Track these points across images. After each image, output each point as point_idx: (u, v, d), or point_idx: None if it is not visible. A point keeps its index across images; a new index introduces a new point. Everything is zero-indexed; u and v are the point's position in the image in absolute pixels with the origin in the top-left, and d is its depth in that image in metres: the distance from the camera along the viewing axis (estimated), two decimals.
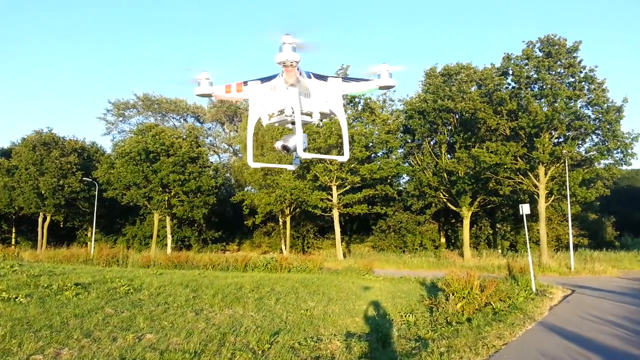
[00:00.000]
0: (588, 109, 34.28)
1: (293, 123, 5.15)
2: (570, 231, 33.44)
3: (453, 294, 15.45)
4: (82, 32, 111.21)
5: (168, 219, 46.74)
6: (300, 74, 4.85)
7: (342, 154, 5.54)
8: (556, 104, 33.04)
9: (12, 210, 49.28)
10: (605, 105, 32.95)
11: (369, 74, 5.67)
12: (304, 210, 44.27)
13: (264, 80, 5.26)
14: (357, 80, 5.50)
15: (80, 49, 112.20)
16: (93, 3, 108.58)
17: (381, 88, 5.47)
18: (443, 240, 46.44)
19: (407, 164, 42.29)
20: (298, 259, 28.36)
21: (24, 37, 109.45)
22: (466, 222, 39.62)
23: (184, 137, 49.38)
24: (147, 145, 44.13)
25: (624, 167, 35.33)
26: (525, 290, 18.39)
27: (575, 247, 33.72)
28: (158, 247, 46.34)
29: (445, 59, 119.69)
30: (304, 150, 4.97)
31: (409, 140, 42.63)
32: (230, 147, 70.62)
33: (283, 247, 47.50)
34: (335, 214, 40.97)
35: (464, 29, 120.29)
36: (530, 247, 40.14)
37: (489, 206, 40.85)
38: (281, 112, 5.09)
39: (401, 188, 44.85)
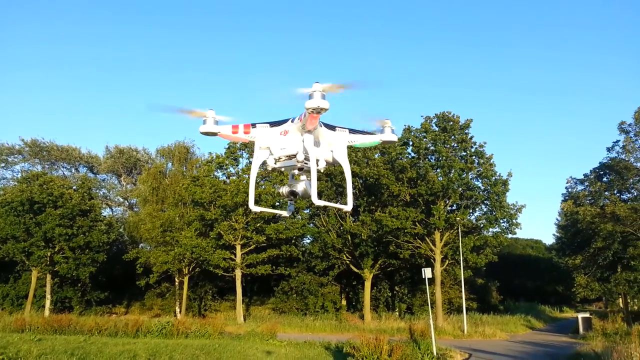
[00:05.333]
0: (478, 181, 37.37)
1: (300, 169, 5.25)
2: (464, 295, 35.17)
3: (362, 359, 15.28)
4: None
5: (49, 277, 42.00)
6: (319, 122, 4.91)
7: (346, 203, 5.63)
8: (451, 175, 35.62)
9: None
10: (493, 178, 36.17)
11: (371, 127, 5.96)
12: (204, 269, 42.29)
13: (273, 124, 5.27)
14: (363, 132, 5.61)
15: None
16: None
17: (384, 143, 5.73)
18: (344, 302, 46.53)
19: (312, 224, 42.54)
20: (196, 323, 26.68)
21: None
22: (367, 284, 40.22)
23: (75, 187, 45.77)
24: (32, 195, 40.17)
25: (510, 235, 38.50)
26: (427, 354, 18.71)
27: (466, 310, 35.41)
28: (33, 308, 41.18)
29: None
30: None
31: None
32: (126, 201, 66.62)
33: (177, 309, 44.56)
34: (238, 274, 39.59)
35: (369, 98, 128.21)
36: (426, 310, 41.85)
37: (388, 269, 41.97)
38: (290, 157, 5.12)
39: (305, 249, 44.73)
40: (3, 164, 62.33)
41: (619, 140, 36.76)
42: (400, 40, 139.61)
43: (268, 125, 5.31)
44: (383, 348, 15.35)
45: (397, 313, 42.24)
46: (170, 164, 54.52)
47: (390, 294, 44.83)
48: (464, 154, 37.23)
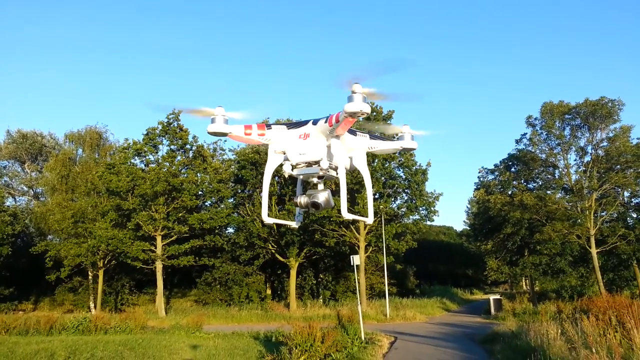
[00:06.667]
0: (400, 170, 38.66)
1: (320, 177, 4.76)
2: (386, 281, 36.40)
3: (296, 347, 15.28)
4: None
5: None
6: None
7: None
8: (374, 164, 36.54)
9: None
10: (414, 167, 37.62)
11: (389, 133, 5.52)
12: (121, 262, 40.22)
13: (291, 126, 4.83)
14: (383, 139, 5.37)
15: None
16: None
17: (404, 150, 5.33)
18: (269, 291, 46.43)
19: (237, 214, 41.91)
20: (116, 318, 25.35)
21: None
22: (293, 273, 40.38)
23: None
24: None
25: (428, 222, 40.35)
26: (356, 339, 19.15)
27: (388, 295, 36.70)
28: None
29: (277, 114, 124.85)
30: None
31: (240, 191, 42.52)
32: (31, 190, 61.59)
33: (92, 304, 42.13)
34: (159, 266, 38.07)
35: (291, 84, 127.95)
36: (349, 296, 42.89)
37: (314, 257, 42.42)
38: (310, 164, 4.66)
39: (229, 238, 44.03)
40: None
41: (527, 133, 39.58)
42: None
43: (285, 126, 4.90)
44: (317, 335, 15.45)
45: (322, 300, 42.87)
46: (81, 150, 51.20)
47: (314, 282, 45.37)
48: None
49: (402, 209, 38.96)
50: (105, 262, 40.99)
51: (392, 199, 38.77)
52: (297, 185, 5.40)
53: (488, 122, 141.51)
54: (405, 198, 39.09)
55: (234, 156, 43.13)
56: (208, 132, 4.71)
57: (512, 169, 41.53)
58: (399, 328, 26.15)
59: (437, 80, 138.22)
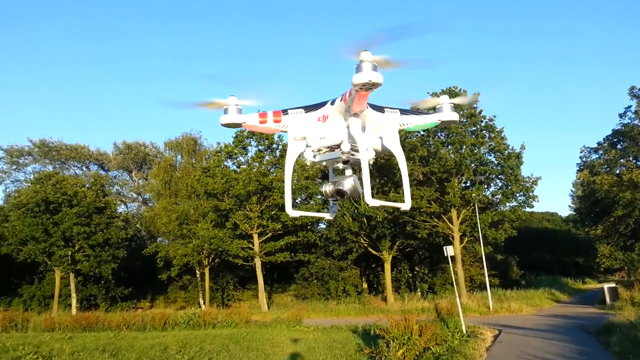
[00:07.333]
0: (491, 155, 36.92)
1: (346, 162, 4.29)
2: (486, 271, 34.98)
3: (393, 341, 15.18)
4: None
5: (72, 276, 42.51)
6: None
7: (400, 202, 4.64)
8: (462, 151, 35.23)
9: None
10: (506, 152, 35.71)
11: (425, 106, 4.81)
12: (224, 260, 42.51)
13: (308, 108, 4.38)
14: (417, 113, 4.68)
15: None
16: None
17: (443, 123, 4.68)
18: (365, 285, 46.63)
19: (326, 209, 42.45)
20: (222, 313, 26.83)
21: None
22: (387, 266, 40.18)
23: (88, 185, 46.01)
24: (47, 195, 40.43)
25: (527, 209, 38.12)
26: (457, 332, 18.62)
27: (489, 286, 35.23)
28: (60, 307, 41.76)
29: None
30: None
31: None
32: (140, 196, 67.00)
33: (201, 301, 44.96)
34: (258, 263, 39.73)
35: None
36: (447, 289, 41.78)
37: (407, 250, 41.89)
38: (332, 148, 4.24)
39: (322, 234, 44.71)
40: (15, 166, 62.85)
41: (631, 106, 36.00)
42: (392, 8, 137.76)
43: (302, 110, 4.40)
44: (413, 328, 15.24)
45: (419, 293, 42.24)
46: (180, 156, 54.65)
47: (410, 275, 44.80)
48: (474, 128, 36.76)
49: (497, 196, 37.15)
50: (210, 260, 43.47)
51: (485, 186, 37.13)
52: (329, 174, 4.85)
53: (582, 98, 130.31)
54: (500, 184, 37.24)
55: None
56: (221, 124, 4.37)
57: (618, 146, 37.93)
58: (504, 321, 24.99)
59: (514, 60, 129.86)
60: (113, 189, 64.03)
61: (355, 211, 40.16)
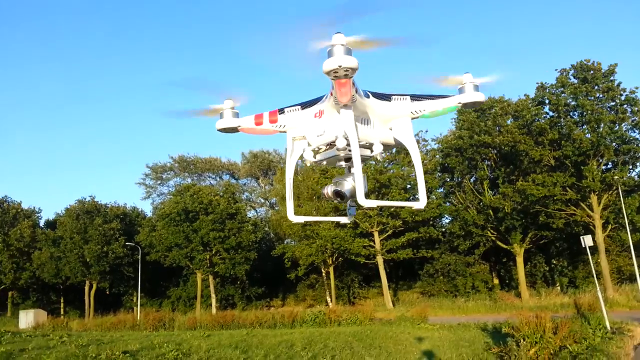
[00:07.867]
0: (634, 132, 32.87)
1: (347, 160, 3.97)
2: (635, 262, 31.18)
3: (524, 339, 14.17)
4: (111, 101, 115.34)
5: (211, 277, 46.44)
6: (356, 91, 3.58)
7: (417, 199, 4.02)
8: (600, 130, 31.80)
9: (59, 280, 49.97)
10: None
11: (445, 86, 4.17)
12: (347, 259, 43.24)
13: (305, 105, 4.06)
14: (431, 97, 4.12)
15: (113, 119, 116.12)
16: (117, 71, 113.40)
17: (464, 106, 4.03)
18: (496, 281, 44.24)
19: (448, 203, 41.06)
20: (347, 310, 27.26)
21: (57, 110, 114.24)
22: (519, 260, 37.66)
23: (221, 194, 49.76)
24: (186, 205, 44.57)
25: None
26: (599, 329, 16.85)
27: None
28: (203, 307, 45.82)
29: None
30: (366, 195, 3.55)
31: (448, 179, 41.60)
32: (267, 201, 70.88)
33: (328, 299, 46.20)
34: (380, 260, 39.75)
35: (488, 62, 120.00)
36: (591, 282, 38.00)
37: (541, 241, 38.89)
38: (331, 145, 3.89)
39: (445, 229, 43.32)
40: (159, 181, 70.37)
41: None
42: None
43: (299, 107, 4.07)
44: (546, 326, 14.06)
45: (559, 288, 38.97)
46: (300, 161, 56.62)
47: (547, 268, 41.52)
48: (613, 104, 32.95)
49: None
50: (334, 259, 44.50)
51: (630, 167, 33.09)
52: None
53: None
54: None
55: (437, 145, 42.48)
56: (217, 130, 4.12)
57: None
58: None
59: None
60: (243, 196, 68.56)
61: (480, 203, 38.30)
